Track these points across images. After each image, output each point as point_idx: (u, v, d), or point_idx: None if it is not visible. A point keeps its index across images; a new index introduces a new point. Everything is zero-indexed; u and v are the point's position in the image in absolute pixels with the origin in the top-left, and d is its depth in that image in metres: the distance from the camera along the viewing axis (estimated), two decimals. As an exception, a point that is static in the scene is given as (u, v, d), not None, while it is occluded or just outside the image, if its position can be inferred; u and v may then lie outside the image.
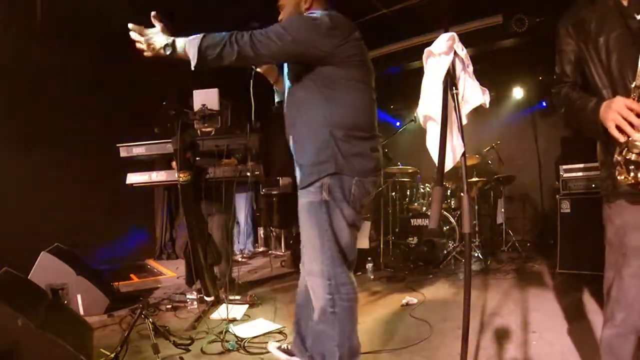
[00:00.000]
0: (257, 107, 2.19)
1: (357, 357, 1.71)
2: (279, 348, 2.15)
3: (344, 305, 1.65)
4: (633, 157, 1.16)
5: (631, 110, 1.14)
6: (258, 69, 1.90)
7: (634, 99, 1.16)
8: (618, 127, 1.16)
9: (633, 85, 1.17)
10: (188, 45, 1.52)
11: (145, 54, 1.58)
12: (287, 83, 1.81)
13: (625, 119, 1.14)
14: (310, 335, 1.85)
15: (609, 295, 1.36)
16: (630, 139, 1.15)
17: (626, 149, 1.17)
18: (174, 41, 1.54)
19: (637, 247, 1.27)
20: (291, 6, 1.76)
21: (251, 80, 1.94)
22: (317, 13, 1.66)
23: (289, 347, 2.09)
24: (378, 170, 1.75)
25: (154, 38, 1.54)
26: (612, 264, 1.36)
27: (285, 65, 1.83)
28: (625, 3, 1.29)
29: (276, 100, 2.07)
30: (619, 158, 1.19)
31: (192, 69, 1.53)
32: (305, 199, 1.70)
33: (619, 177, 1.20)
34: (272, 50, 1.55)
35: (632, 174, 1.17)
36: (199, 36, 1.52)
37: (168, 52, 1.54)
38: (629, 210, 1.29)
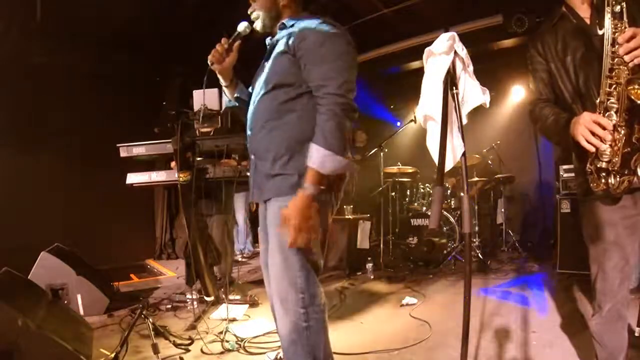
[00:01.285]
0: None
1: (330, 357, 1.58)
2: (276, 359, 2.15)
3: (317, 318, 1.48)
4: (603, 165, 1.28)
5: (597, 124, 1.24)
6: (214, 67, 1.65)
7: (599, 113, 1.26)
8: (587, 140, 1.27)
9: (598, 101, 1.28)
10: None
11: None
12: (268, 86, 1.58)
13: (592, 132, 1.25)
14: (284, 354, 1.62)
15: (595, 288, 1.47)
16: (599, 149, 1.27)
17: (596, 158, 1.29)
18: None
19: (614, 241, 1.39)
20: (266, 0, 1.59)
21: (205, 78, 1.72)
22: (315, 21, 1.49)
23: None
24: None
25: None
26: (595, 259, 1.46)
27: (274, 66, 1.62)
28: (587, 22, 1.40)
29: (225, 104, 1.91)
30: (591, 167, 1.31)
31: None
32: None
33: (592, 185, 1.33)
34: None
35: (603, 181, 1.30)
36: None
37: None
38: (604, 210, 1.41)
